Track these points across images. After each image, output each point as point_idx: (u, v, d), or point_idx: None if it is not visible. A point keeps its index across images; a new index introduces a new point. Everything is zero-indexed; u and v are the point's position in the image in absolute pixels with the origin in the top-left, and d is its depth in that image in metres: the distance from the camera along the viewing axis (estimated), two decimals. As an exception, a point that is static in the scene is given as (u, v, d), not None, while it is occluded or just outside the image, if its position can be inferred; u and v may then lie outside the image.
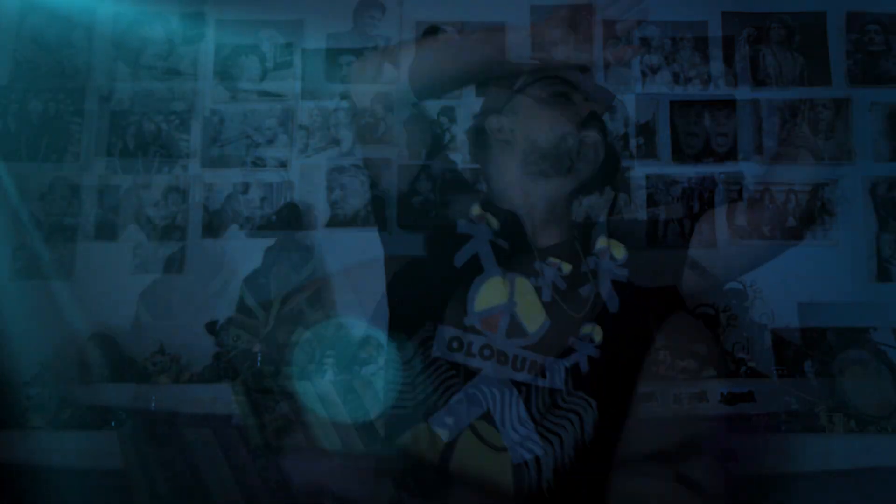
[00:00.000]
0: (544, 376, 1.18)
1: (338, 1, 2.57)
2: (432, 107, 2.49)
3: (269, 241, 2.31)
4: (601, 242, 1.30)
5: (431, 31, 2.56)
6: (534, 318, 1.22)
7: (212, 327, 2.23)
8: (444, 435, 1.15)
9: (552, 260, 1.27)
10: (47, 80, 2.55)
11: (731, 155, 2.40)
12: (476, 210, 1.33)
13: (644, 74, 2.46)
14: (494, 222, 1.30)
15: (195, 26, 2.57)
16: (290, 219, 2.38)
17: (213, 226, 2.46)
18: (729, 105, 2.42)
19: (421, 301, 1.26)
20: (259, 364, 2.03)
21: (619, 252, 1.30)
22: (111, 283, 2.40)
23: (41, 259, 2.39)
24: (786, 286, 2.25)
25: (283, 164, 2.49)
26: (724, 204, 2.36)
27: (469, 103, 2.49)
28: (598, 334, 1.23)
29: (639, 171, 2.39)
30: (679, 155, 2.40)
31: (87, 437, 2.04)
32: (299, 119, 2.51)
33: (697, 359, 1.92)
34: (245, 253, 2.33)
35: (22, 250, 2.41)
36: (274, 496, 1.74)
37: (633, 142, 2.42)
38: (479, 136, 1.42)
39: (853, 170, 2.36)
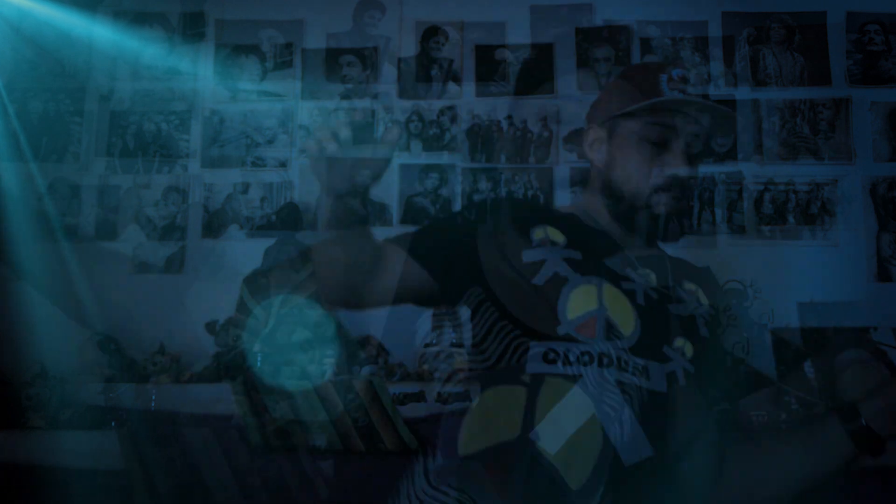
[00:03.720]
0: (649, 378, 1.17)
1: (338, 1, 2.57)
2: (431, 107, 2.49)
3: (269, 241, 2.31)
4: (690, 285, 1.30)
5: (432, 31, 2.56)
6: (627, 322, 1.19)
7: (212, 327, 2.23)
8: (549, 448, 1.12)
9: (641, 270, 1.26)
10: (47, 80, 2.55)
11: (731, 155, 2.40)
12: (538, 234, 1.27)
13: (644, 74, 2.46)
14: (560, 237, 1.26)
15: (195, 26, 2.57)
16: (290, 219, 2.38)
17: (213, 226, 2.46)
18: (729, 105, 2.42)
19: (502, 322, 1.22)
20: (259, 364, 2.03)
21: (704, 300, 1.30)
22: (111, 283, 2.40)
23: (42, 259, 2.39)
24: (786, 286, 2.25)
25: (283, 164, 2.49)
26: (724, 203, 2.37)
27: (469, 102, 2.49)
28: (689, 350, 1.21)
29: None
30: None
31: (87, 437, 2.04)
32: (299, 119, 2.51)
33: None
34: (245, 253, 2.33)
35: (23, 249, 2.41)
36: (274, 496, 1.74)
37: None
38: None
39: (853, 170, 2.36)
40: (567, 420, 1.15)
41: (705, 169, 2.39)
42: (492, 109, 2.48)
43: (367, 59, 2.53)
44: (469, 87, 2.50)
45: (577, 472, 1.13)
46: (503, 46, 2.51)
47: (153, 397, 2.08)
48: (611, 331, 1.18)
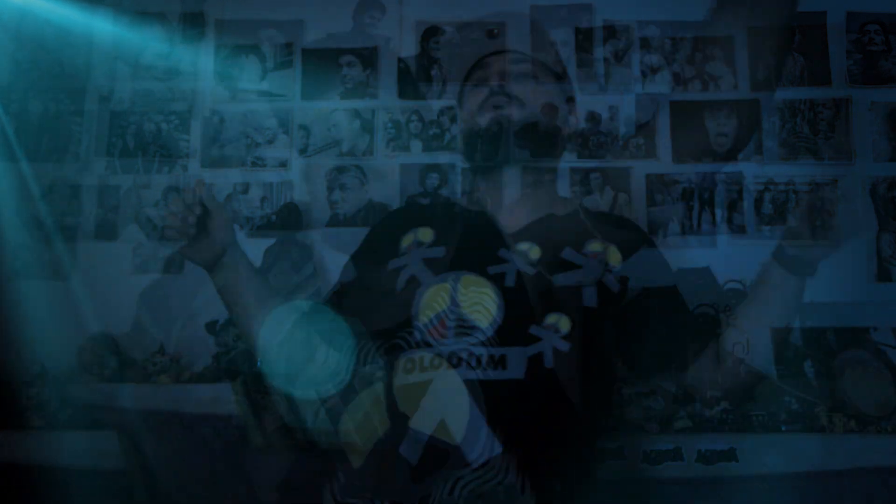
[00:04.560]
0: (505, 368, 1.17)
1: (338, 1, 2.57)
2: (431, 107, 2.49)
3: (269, 241, 2.31)
4: (595, 245, 1.29)
5: (432, 31, 2.56)
6: (484, 313, 1.20)
7: (212, 327, 2.23)
8: (412, 460, 1.13)
9: (522, 245, 1.26)
10: (47, 80, 2.55)
11: (731, 155, 2.40)
12: (406, 240, 1.33)
13: (644, 74, 2.46)
14: (429, 234, 1.32)
15: (195, 26, 2.57)
16: (290, 219, 2.38)
17: (213, 226, 2.46)
18: (729, 105, 2.42)
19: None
20: (259, 364, 2.03)
21: (615, 259, 1.29)
22: (111, 283, 2.40)
23: (41, 259, 2.39)
24: (786, 286, 2.24)
25: (283, 164, 2.49)
26: (724, 204, 2.37)
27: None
28: (565, 324, 1.20)
29: (639, 171, 2.39)
30: (679, 155, 2.40)
31: (87, 437, 2.04)
32: (299, 119, 2.51)
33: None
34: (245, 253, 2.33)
35: (22, 250, 2.41)
36: (274, 496, 1.73)
37: (633, 142, 2.42)
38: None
39: (853, 170, 2.36)
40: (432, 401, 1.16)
41: (705, 168, 2.39)
42: (492, 109, 2.47)
43: (367, 59, 2.53)
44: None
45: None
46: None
47: (153, 397, 2.08)
48: (463, 327, 1.18)
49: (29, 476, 1.94)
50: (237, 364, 2.08)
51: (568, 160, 2.43)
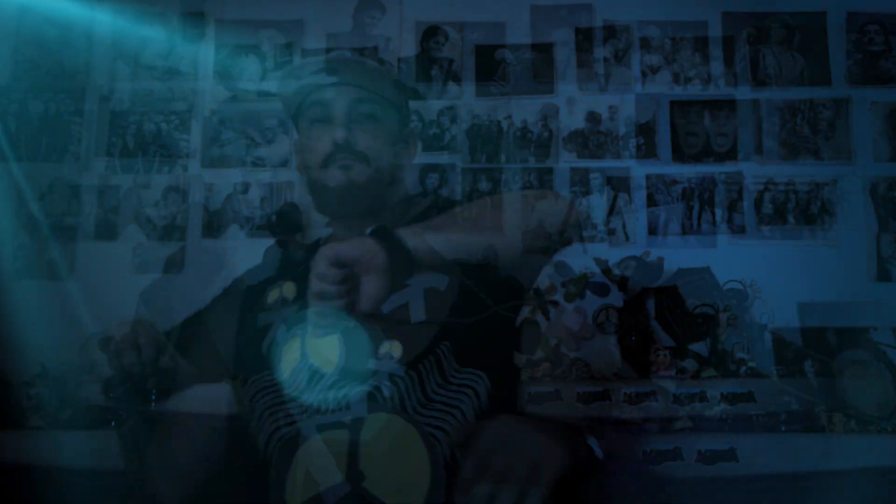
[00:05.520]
0: (349, 408, 1.14)
1: (338, 1, 2.57)
2: (431, 107, 2.49)
3: (269, 241, 2.31)
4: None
5: (432, 31, 2.56)
6: (330, 358, 1.18)
7: (212, 327, 2.22)
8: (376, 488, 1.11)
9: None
10: (47, 80, 2.55)
11: (731, 155, 2.40)
12: (272, 296, 1.34)
13: (644, 74, 2.46)
14: (292, 291, 1.33)
15: (195, 26, 2.57)
16: (290, 219, 2.38)
17: (213, 226, 2.46)
18: (729, 105, 2.42)
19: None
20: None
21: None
22: (111, 283, 2.39)
23: (41, 259, 2.39)
24: (786, 286, 2.25)
25: (283, 164, 2.49)
26: (724, 204, 2.37)
27: (469, 102, 2.49)
28: (397, 350, 1.18)
29: (639, 171, 2.39)
30: (679, 155, 2.40)
31: (87, 437, 2.04)
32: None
33: None
34: (245, 253, 2.33)
35: (22, 250, 2.41)
36: (274, 496, 1.73)
37: (632, 142, 2.42)
38: None
39: (853, 170, 2.36)
40: (396, 460, 1.12)
41: (705, 168, 2.39)
42: (492, 109, 2.48)
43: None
44: (469, 87, 2.49)
45: None
46: (503, 46, 2.51)
47: (153, 397, 2.07)
48: (314, 378, 1.18)
49: (29, 476, 1.94)
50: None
51: (568, 160, 2.43)
